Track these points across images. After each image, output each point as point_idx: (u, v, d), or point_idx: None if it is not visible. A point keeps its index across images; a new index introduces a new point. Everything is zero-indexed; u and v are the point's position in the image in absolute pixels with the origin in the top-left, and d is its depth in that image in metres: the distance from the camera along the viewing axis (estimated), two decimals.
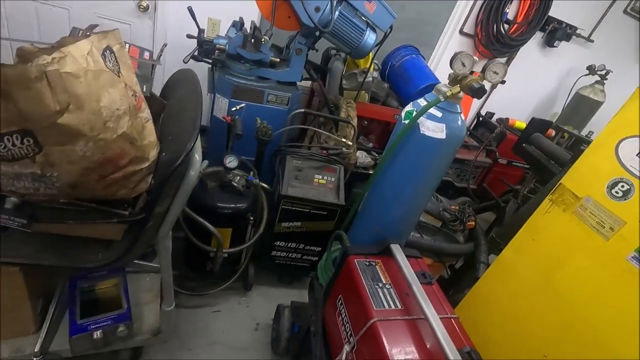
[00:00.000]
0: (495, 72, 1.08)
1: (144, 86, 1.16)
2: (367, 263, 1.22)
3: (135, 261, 1.65)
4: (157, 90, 1.62)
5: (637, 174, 0.99)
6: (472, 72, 1.15)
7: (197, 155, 1.15)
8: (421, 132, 1.13)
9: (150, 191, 1.06)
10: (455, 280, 2.35)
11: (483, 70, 1.09)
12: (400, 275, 1.16)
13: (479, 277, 2.04)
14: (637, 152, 0.99)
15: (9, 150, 0.77)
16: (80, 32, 1.23)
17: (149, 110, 1.06)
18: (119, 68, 0.98)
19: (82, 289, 1.47)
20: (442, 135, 1.12)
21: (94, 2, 2.49)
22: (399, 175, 1.23)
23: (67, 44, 0.85)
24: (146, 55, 1.32)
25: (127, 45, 1.29)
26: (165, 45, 1.47)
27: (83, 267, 1.14)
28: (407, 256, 1.25)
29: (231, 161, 1.76)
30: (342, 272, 1.25)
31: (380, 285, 1.15)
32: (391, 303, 1.09)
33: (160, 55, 1.44)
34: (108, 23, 2.59)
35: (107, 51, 0.94)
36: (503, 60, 3.63)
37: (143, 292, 1.67)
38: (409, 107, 1.20)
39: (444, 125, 1.12)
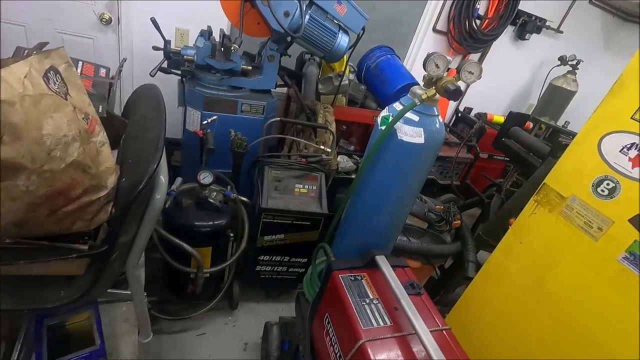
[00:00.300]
0: (470, 72, 1.04)
1: (100, 106, 1.07)
2: (353, 278, 1.16)
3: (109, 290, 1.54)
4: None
5: (622, 171, 0.96)
6: (448, 70, 1.11)
7: (163, 177, 1.07)
8: (399, 137, 1.08)
9: (111, 221, 0.97)
10: (446, 281, 2.33)
11: (458, 71, 1.05)
12: (388, 288, 1.11)
13: (469, 277, 2.01)
14: (620, 148, 0.97)
15: None
16: (26, 51, 1.14)
17: (104, 133, 0.98)
18: (67, 90, 0.89)
19: (50, 326, 1.36)
20: (420, 139, 1.07)
21: (52, 18, 2.37)
22: (380, 183, 1.18)
23: (5, 61, 0.76)
24: (102, 72, 1.23)
25: (80, 63, 1.20)
26: (124, 60, 1.38)
27: (44, 308, 1.04)
28: (393, 266, 1.20)
29: (205, 177, 1.68)
30: (327, 289, 1.19)
31: (368, 301, 1.09)
32: (380, 320, 1.04)
33: (120, 70, 1.35)
34: (69, 39, 2.47)
35: (51, 72, 0.86)
36: (477, 58, 3.65)
37: (119, 322, 1.56)
38: (384, 112, 1.15)
39: (422, 129, 1.08)
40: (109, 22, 2.48)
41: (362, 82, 2.88)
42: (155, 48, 2.08)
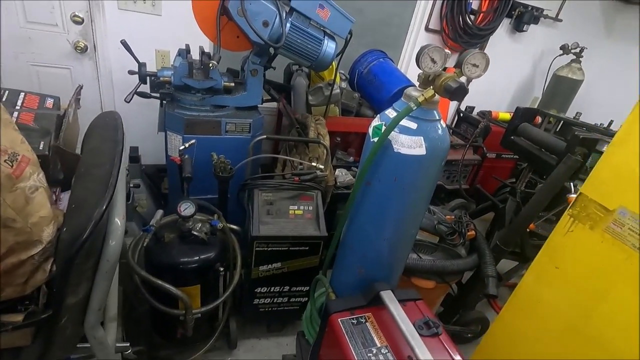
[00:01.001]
0: (474, 65, 0.87)
1: (41, 142, 0.91)
2: (355, 321, 0.97)
3: (79, 345, 1.36)
4: None
5: None
6: (444, 69, 0.94)
7: (118, 220, 0.91)
8: (395, 150, 0.91)
9: (53, 281, 0.80)
10: (464, 297, 2.11)
11: (459, 65, 0.88)
12: (399, 331, 0.92)
13: (490, 294, 1.81)
14: None
15: None
16: None
17: (41, 175, 0.81)
18: None
19: None
20: (421, 150, 0.90)
21: (24, 51, 2.26)
22: (377, 204, 1.00)
23: None
24: (49, 103, 1.08)
25: (22, 95, 1.05)
26: (80, 87, 1.23)
27: None
28: (403, 301, 1.01)
29: (186, 208, 1.51)
30: (327, 335, 1.00)
31: (374, 351, 0.90)
32: None
33: (78, 99, 1.20)
34: (44, 71, 2.36)
35: None
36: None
37: None
38: (376, 122, 0.98)
39: (422, 137, 0.90)
40: (84, 50, 2.36)
41: (356, 89, 2.73)
42: (131, 72, 1.95)
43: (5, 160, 0.74)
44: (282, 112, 2.77)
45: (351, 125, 2.52)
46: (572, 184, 1.86)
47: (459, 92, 0.83)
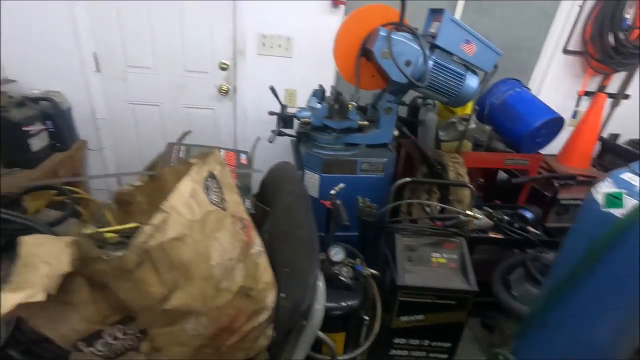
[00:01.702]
0: None
1: (246, 201, 0.97)
2: None
3: None
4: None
5: None
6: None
7: (321, 283, 0.90)
8: None
9: (272, 346, 0.82)
10: None
11: None
12: None
13: None
14: None
15: (111, 347, 0.58)
16: (175, 146, 1.12)
17: (259, 238, 0.85)
18: (222, 194, 0.79)
19: None
20: None
21: (180, 95, 2.60)
22: (606, 287, 0.83)
23: (162, 170, 0.68)
24: (243, 159, 1.17)
25: (222, 152, 1.15)
26: (258, 139, 1.32)
27: None
28: None
29: (337, 253, 1.50)
30: None
31: None
32: None
33: (254, 149, 1.28)
34: (193, 112, 2.67)
35: (209, 179, 0.76)
36: (623, 76, 3.00)
37: None
38: (609, 187, 0.82)
39: None
40: (227, 92, 2.62)
41: (485, 121, 2.53)
42: (272, 113, 2.07)
43: (240, 228, 0.78)
44: (401, 145, 2.70)
45: (485, 161, 2.33)
46: None
47: None
